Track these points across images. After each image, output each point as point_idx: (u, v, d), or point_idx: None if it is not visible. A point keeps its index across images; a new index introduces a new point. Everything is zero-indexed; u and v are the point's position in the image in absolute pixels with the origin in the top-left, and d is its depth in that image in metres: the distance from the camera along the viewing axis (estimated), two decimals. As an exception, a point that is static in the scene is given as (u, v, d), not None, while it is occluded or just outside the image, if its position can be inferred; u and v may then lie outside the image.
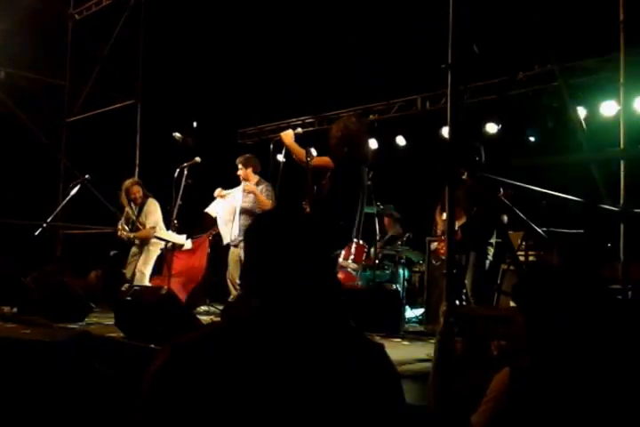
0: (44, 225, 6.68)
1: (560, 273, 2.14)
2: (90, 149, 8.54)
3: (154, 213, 6.87)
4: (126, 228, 6.77)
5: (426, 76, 6.39)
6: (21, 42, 7.86)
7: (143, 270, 6.72)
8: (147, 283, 6.66)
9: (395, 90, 8.66)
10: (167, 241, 6.28)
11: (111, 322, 4.96)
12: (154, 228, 6.80)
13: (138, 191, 6.88)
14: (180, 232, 6.32)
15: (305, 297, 1.30)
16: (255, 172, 6.28)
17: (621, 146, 4.14)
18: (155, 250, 6.81)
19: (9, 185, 8.21)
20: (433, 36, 4.05)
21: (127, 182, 6.92)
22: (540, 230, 4.02)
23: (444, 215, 3.50)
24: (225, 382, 1.16)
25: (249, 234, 1.41)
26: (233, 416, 1.14)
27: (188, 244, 6.60)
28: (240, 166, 6.28)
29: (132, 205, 6.88)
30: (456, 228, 4.82)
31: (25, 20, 7.71)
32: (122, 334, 4.67)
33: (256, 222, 1.46)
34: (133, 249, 6.86)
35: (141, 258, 6.78)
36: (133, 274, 6.70)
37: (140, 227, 6.76)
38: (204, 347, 1.22)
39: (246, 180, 6.26)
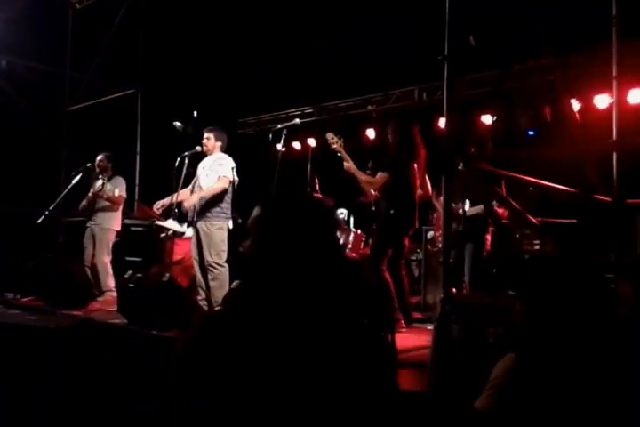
0: (46, 213, 6.75)
1: (560, 263, 2.19)
2: (91, 137, 8.59)
3: (122, 186, 6.88)
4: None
5: (423, 68, 6.42)
6: (23, 31, 7.88)
7: (103, 259, 6.63)
8: (109, 270, 6.64)
9: (392, 81, 8.70)
10: (168, 229, 6.36)
11: (113, 308, 5.05)
12: (123, 197, 6.84)
13: (102, 161, 6.89)
14: (180, 220, 6.38)
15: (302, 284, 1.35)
16: (222, 149, 5.96)
17: (614, 138, 4.21)
18: (107, 236, 6.75)
19: (11, 173, 8.26)
20: (430, 27, 4.09)
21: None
22: (534, 220, 4.11)
23: (441, 199, 3.56)
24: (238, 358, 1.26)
25: (262, 222, 1.43)
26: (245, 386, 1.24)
27: (188, 232, 6.67)
28: (209, 136, 5.91)
29: (101, 177, 6.90)
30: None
31: (26, 8, 7.73)
32: (125, 321, 4.76)
33: (268, 210, 1.45)
34: (87, 232, 6.79)
35: (96, 247, 6.68)
36: (94, 264, 6.63)
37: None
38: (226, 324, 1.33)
39: (209, 151, 5.93)
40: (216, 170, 5.75)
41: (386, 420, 1.30)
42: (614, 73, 4.20)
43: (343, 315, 1.34)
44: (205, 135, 5.95)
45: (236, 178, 5.83)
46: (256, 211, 1.47)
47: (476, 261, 5.13)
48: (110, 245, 6.78)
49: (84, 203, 6.88)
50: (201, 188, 5.78)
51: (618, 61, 4.13)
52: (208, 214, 5.64)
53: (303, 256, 1.37)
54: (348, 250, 7.33)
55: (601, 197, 4.02)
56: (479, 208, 5.07)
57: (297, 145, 10.01)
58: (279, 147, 5.94)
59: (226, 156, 5.92)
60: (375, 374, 1.31)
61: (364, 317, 1.38)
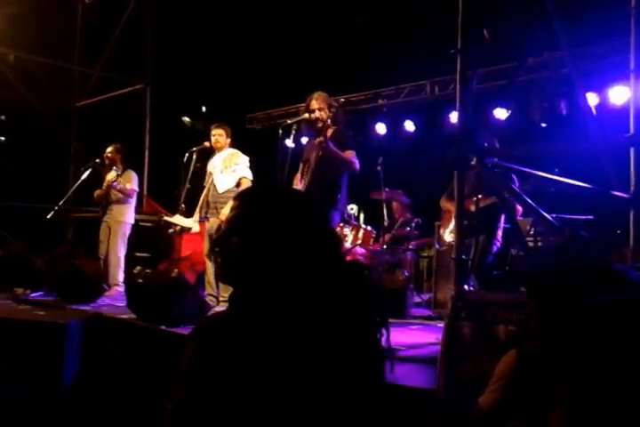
0: (56, 208, 6.74)
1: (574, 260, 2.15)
2: (100, 133, 8.58)
3: (134, 179, 6.90)
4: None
5: (435, 61, 6.37)
6: (31, 26, 7.87)
7: (117, 253, 6.67)
8: (121, 265, 6.67)
9: (404, 74, 8.64)
10: (176, 224, 6.34)
11: (123, 304, 5.03)
12: (135, 190, 6.85)
13: (112, 152, 6.88)
14: (187, 216, 6.37)
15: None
16: (230, 145, 5.97)
17: (631, 132, 4.14)
18: (122, 229, 6.76)
19: (20, 168, 8.27)
20: (443, 20, 4.04)
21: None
22: (549, 217, 4.04)
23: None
24: (241, 364, 1.23)
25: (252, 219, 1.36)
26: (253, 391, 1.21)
27: (195, 227, 6.65)
28: (221, 132, 5.89)
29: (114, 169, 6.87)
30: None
31: (35, 3, 7.71)
32: (134, 316, 4.73)
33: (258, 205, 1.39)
34: (103, 227, 6.83)
35: (110, 241, 6.72)
36: (107, 257, 6.68)
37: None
38: (224, 333, 1.29)
39: (221, 148, 5.89)
40: (231, 168, 5.71)
41: (376, 415, 1.28)
42: (632, 66, 4.12)
43: (339, 314, 1.29)
44: (217, 132, 5.90)
45: None
46: (237, 206, 1.40)
47: (486, 253, 5.05)
48: (125, 238, 6.80)
49: (98, 192, 6.89)
50: (215, 187, 5.71)
51: (636, 54, 4.06)
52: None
53: (293, 253, 1.31)
54: (357, 246, 7.27)
55: (618, 193, 3.95)
56: (492, 199, 4.97)
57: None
58: (289, 142, 5.90)
59: (236, 151, 5.89)
60: (368, 375, 1.28)
61: (362, 315, 1.33)
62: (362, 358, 1.27)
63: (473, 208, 4.70)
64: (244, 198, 1.41)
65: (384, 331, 1.42)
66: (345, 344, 1.25)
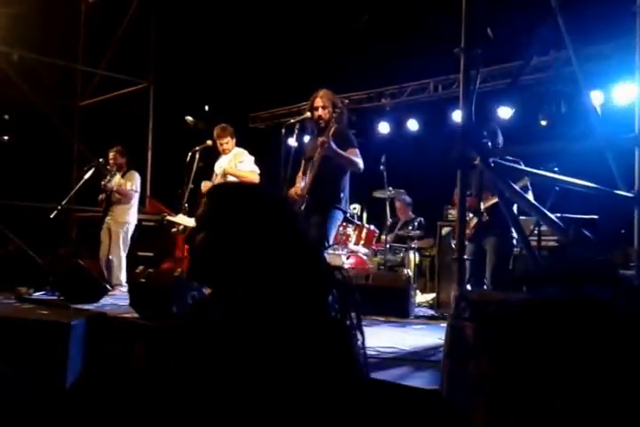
0: (59, 208, 6.74)
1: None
2: (103, 132, 8.59)
3: (134, 180, 6.89)
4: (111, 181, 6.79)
5: (439, 60, 6.35)
6: (34, 25, 7.87)
7: (119, 253, 6.68)
8: (123, 265, 6.67)
9: (407, 73, 8.63)
10: (179, 224, 6.35)
11: (126, 303, 5.03)
12: (136, 191, 6.86)
13: (115, 158, 6.88)
14: (190, 215, 6.36)
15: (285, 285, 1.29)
16: (236, 143, 6.05)
17: (636, 132, 4.11)
18: (122, 230, 6.76)
19: (23, 168, 8.27)
20: (446, 19, 4.03)
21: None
22: (552, 216, 4.02)
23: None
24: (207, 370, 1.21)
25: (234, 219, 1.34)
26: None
27: (198, 226, 6.65)
28: (227, 140, 5.97)
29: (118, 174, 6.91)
30: (482, 209, 4.84)
31: (38, 3, 7.71)
32: (136, 315, 4.73)
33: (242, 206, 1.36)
34: (104, 228, 6.85)
35: (112, 241, 6.73)
36: (108, 260, 6.67)
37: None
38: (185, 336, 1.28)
39: (227, 151, 5.98)
40: (236, 167, 5.79)
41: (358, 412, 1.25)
42: (637, 65, 4.09)
43: (304, 314, 1.26)
44: (224, 141, 5.94)
45: None
46: (205, 203, 1.40)
47: (502, 257, 4.97)
48: (128, 238, 6.81)
49: (101, 196, 6.92)
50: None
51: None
52: None
53: (258, 253, 1.29)
54: (360, 246, 7.27)
55: (622, 193, 3.93)
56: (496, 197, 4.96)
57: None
58: (292, 141, 5.88)
59: (240, 150, 5.95)
60: (334, 378, 1.24)
61: (329, 316, 1.30)
62: (328, 361, 1.23)
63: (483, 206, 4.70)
64: (211, 196, 1.41)
65: (359, 334, 1.36)
66: (310, 345, 1.22)
